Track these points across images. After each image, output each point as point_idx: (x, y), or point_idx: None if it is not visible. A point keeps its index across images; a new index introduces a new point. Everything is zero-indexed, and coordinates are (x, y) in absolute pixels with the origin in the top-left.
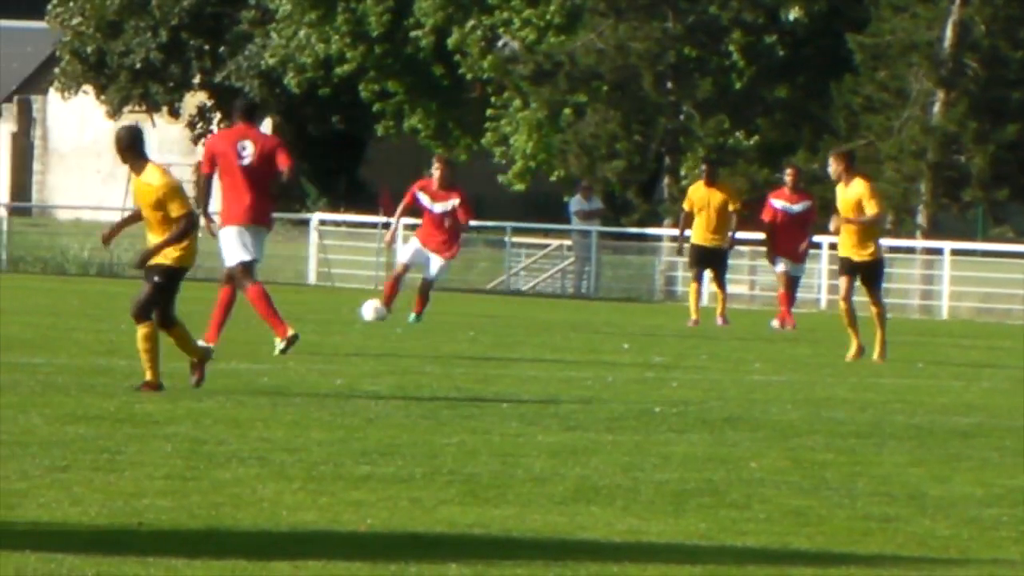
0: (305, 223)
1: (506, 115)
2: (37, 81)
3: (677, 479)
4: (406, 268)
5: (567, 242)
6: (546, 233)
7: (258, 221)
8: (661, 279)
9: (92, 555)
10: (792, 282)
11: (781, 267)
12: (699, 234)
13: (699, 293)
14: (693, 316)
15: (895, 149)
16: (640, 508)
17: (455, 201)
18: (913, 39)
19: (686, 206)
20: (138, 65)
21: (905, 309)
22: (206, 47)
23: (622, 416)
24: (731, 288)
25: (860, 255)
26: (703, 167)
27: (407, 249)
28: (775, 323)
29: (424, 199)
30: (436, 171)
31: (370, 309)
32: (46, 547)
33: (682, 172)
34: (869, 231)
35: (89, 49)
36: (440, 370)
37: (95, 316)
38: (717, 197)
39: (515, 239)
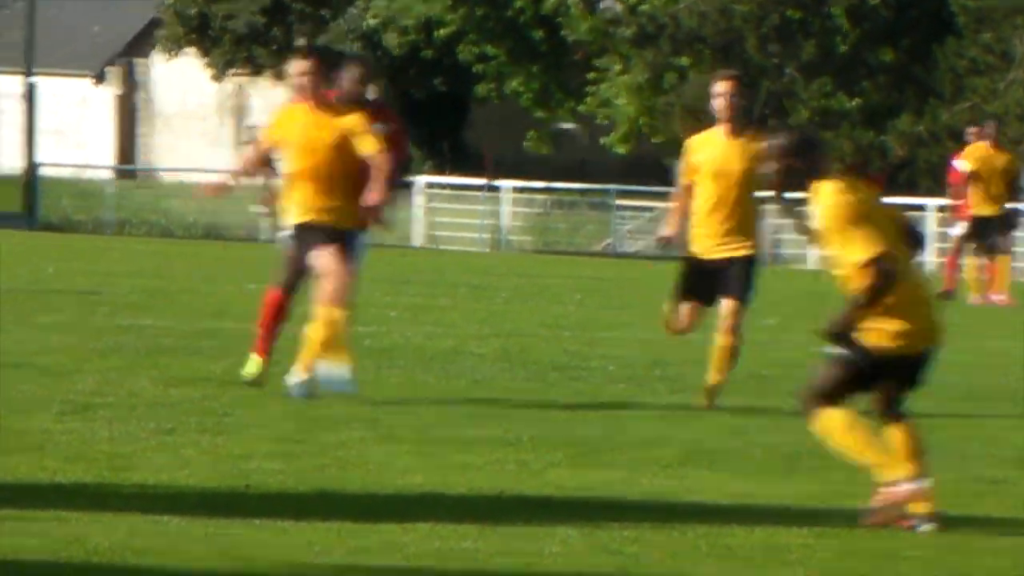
0: (410, 186)
1: (607, 78)
2: (140, 44)
3: (787, 442)
4: None
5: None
6: (651, 196)
7: None
8: (768, 242)
9: (200, 517)
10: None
11: (957, 229)
12: (980, 203)
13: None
14: (977, 292)
15: (1000, 111)
16: (750, 471)
17: None
18: (1017, 1)
19: (968, 166)
20: (241, 29)
21: (1016, 272)
22: (308, 10)
23: (731, 379)
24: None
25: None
26: (989, 124)
27: None
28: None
29: None
30: None
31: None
32: (154, 509)
33: None
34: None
35: (192, 12)
36: (547, 333)
37: (202, 278)
38: (1001, 160)
39: (620, 202)
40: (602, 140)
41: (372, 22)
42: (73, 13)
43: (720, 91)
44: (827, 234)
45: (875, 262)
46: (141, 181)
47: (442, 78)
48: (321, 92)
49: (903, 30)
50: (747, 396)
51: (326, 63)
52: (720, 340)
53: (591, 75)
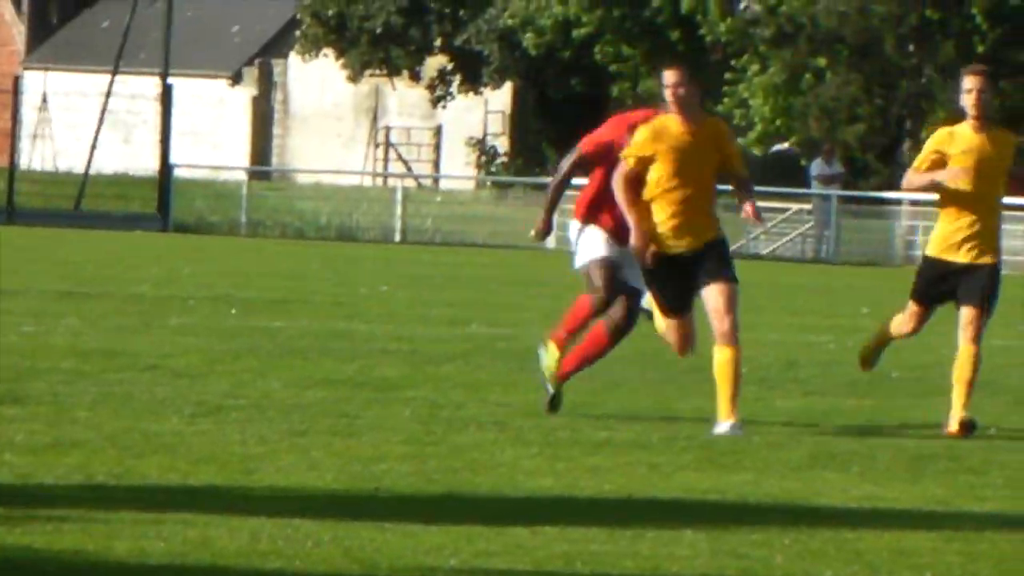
0: (543, 188)
1: (744, 79)
2: (278, 45)
3: (915, 445)
4: None
5: (806, 206)
6: (786, 197)
7: None
8: (901, 243)
9: (328, 520)
10: None
11: None
12: None
13: None
14: None
15: None
16: (877, 474)
17: None
18: None
19: None
20: (379, 29)
21: None
22: (446, 10)
23: (861, 381)
24: None
25: None
26: None
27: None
28: None
29: None
30: None
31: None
32: (283, 512)
33: (923, 135)
34: None
35: (330, 12)
36: None
37: (335, 280)
38: None
39: None
40: (738, 141)
41: (510, 22)
42: (212, 14)
43: (970, 86)
44: None
45: None
46: (275, 182)
47: (579, 78)
48: (692, 103)
49: None
50: (875, 398)
51: (693, 71)
52: (966, 348)
53: (728, 75)
